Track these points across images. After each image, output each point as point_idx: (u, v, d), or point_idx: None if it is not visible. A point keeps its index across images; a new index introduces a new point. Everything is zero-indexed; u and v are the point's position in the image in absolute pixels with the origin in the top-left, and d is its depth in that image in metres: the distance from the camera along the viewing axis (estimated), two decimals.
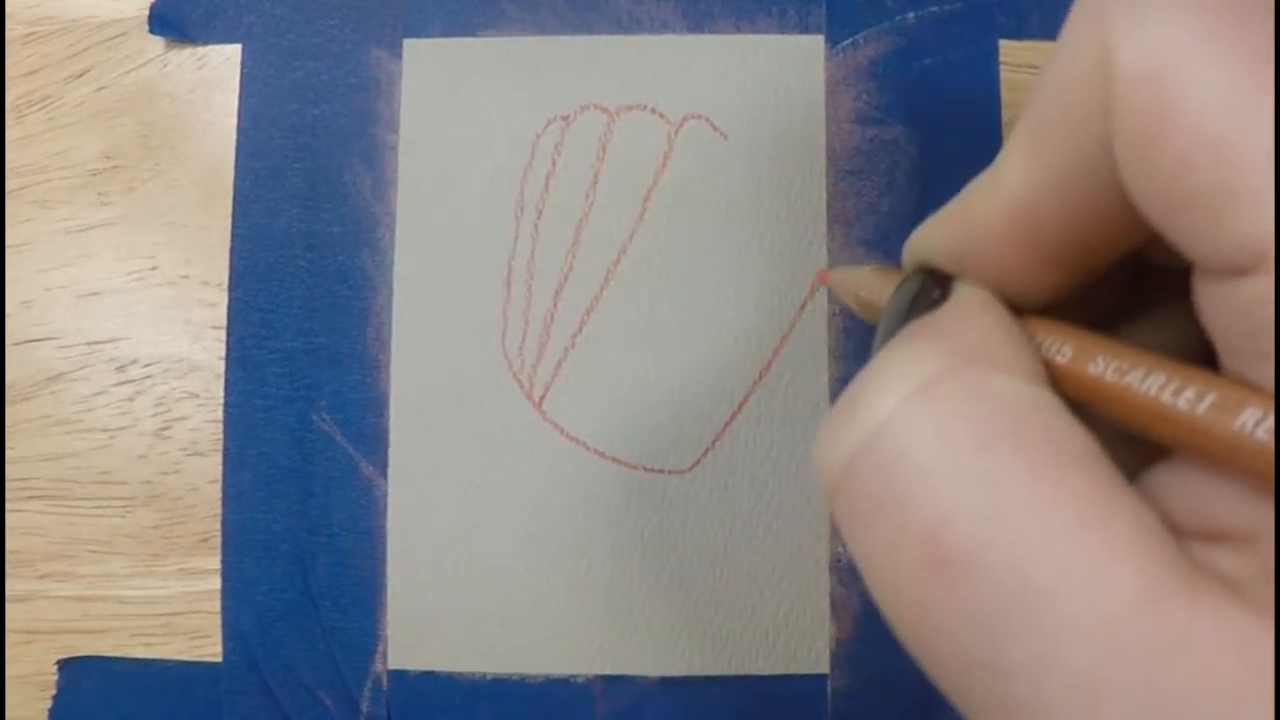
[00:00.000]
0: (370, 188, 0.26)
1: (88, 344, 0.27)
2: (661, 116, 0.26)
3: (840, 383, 0.25)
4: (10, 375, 0.27)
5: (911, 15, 0.26)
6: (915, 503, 0.11)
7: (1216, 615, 0.10)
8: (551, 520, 0.25)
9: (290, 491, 0.26)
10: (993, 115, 0.26)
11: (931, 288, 0.14)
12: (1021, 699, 0.10)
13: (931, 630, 0.11)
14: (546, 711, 0.25)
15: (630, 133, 0.26)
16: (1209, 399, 0.11)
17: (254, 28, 0.27)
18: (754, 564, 0.25)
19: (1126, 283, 0.15)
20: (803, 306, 0.25)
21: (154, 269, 0.27)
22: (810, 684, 0.25)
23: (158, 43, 0.28)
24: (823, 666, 0.25)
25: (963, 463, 0.11)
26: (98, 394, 0.27)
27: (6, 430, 0.27)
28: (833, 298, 0.25)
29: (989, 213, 0.13)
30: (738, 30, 0.26)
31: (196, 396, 0.26)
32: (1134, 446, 0.13)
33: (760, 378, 0.25)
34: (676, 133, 0.26)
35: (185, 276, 0.27)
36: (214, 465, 0.26)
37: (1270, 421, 0.10)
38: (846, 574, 0.25)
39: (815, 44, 0.26)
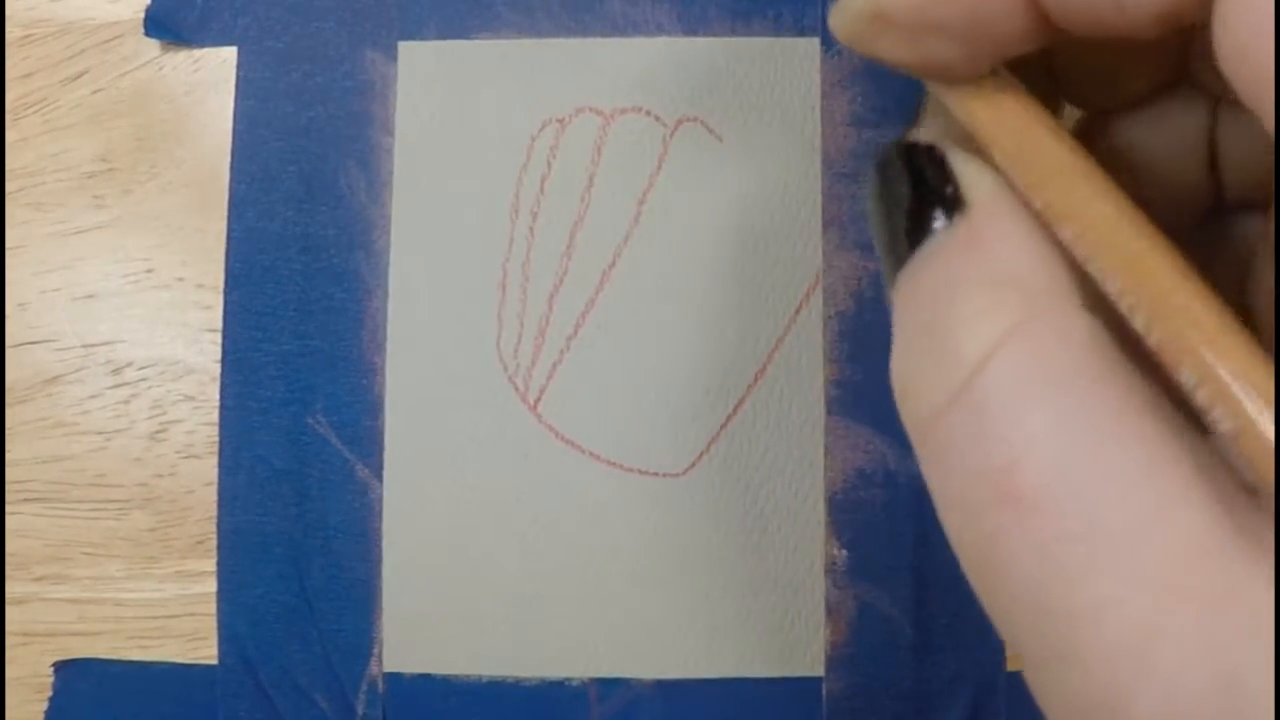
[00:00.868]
0: (365, 190, 0.26)
1: (83, 347, 0.27)
2: (656, 119, 0.26)
3: (836, 385, 0.25)
4: (6, 378, 0.27)
5: None
6: (998, 440, 0.11)
7: (1272, 563, 0.10)
8: (547, 523, 0.25)
9: (286, 494, 0.26)
10: None
11: (939, 172, 0.14)
12: (1079, 638, 0.11)
13: (998, 567, 0.11)
14: (542, 714, 0.25)
15: (625, 135, 0.26)
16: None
17: (249, 30, 0.27)
18: (749, 567, 0.25)
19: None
20: (798, 310, 0.25)
21: (149, 272, 0.27)
22: (805, 687, 0.25)
23: (153, 45, 0.28)
24: (818, 669, 0.25)
25: (1047, 403, 0.11)
26: (93, 397, 0.27)
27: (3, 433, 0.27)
28: (828, 300, 0.25)
29: None
30: (733, 33, 0.26)
31: (192, 399, 0.26)
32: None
33: (756, 380, 0.25)
34: (671, 135, 0.26)
35: (181, 279, 0.27)
36: (209, 468, 0.26)
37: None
38: (842, 577, 0.25)
39: (811, 46, 0.26)
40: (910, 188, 0.14)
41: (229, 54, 0.27)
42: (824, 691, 0.25)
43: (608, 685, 0.25)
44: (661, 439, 0.25)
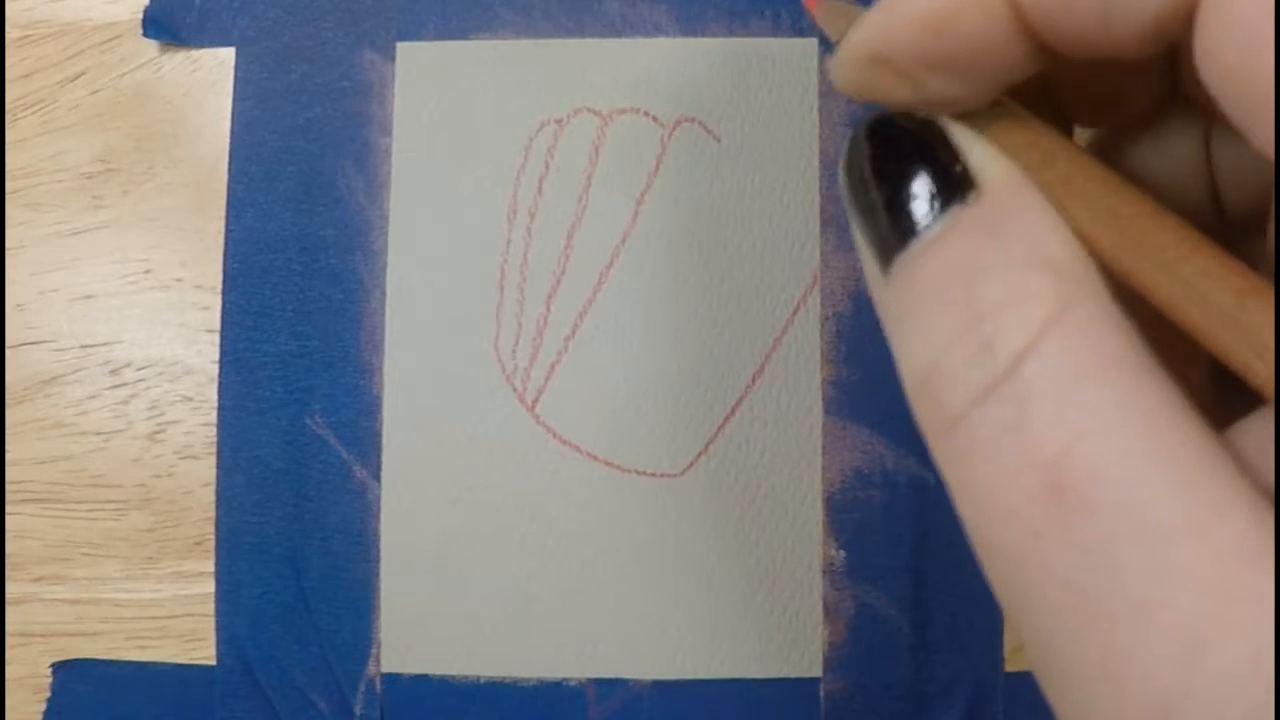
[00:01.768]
0: (364, 191, 0.26)
1: (81, 347, 0.27)
2: (654, 120, 0.26)
3: (833, 385, 0.25)
4: (5, 378, 0.27)
5: None
6: (1042, 431, 0.11)
7: None
8: (545, 523, 0.25)
9: (284, 495, 0.26)
10: None
11: (944, 148, 0.13)
12: (1123, 644, 0.10)
13: (1039, 566, 0.11)
14: (540, 715, 0.25)
15: (623, 136, 0.26)
16: None
17: (248, 31, 0.27)
18: (747, 567, 0.25)
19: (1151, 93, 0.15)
20: (795, 310, 0.25)
21: (148, 272, 0.27)
22: (803, 687, 0.25)
23: (152, 46, 0.28)
24: (816, 670, 0.25)
25: (1093, 396, 0.11)
26: (91, 397, 0.27)
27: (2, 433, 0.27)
28: (825, 301, 0.25)
29: None
30: (731, 33, 0.26)
31: (190, 400, 0.26)
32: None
33: (753, 381, 0.25)
34: (669, 136, 0.26)
35: (179, 280, 0.27)
36: (208, 468, 0.26)
37: None
38: (840, 577, 0.25)
39: (809, 47, 0.26)
40: (908, 164, 0.13)
41: (227, 54, 0.27)
42: (822, 692, 0.25)
43: (606, 685, 0.25)
44: (659, 439, 0.25)
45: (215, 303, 0.26)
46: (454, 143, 0.26)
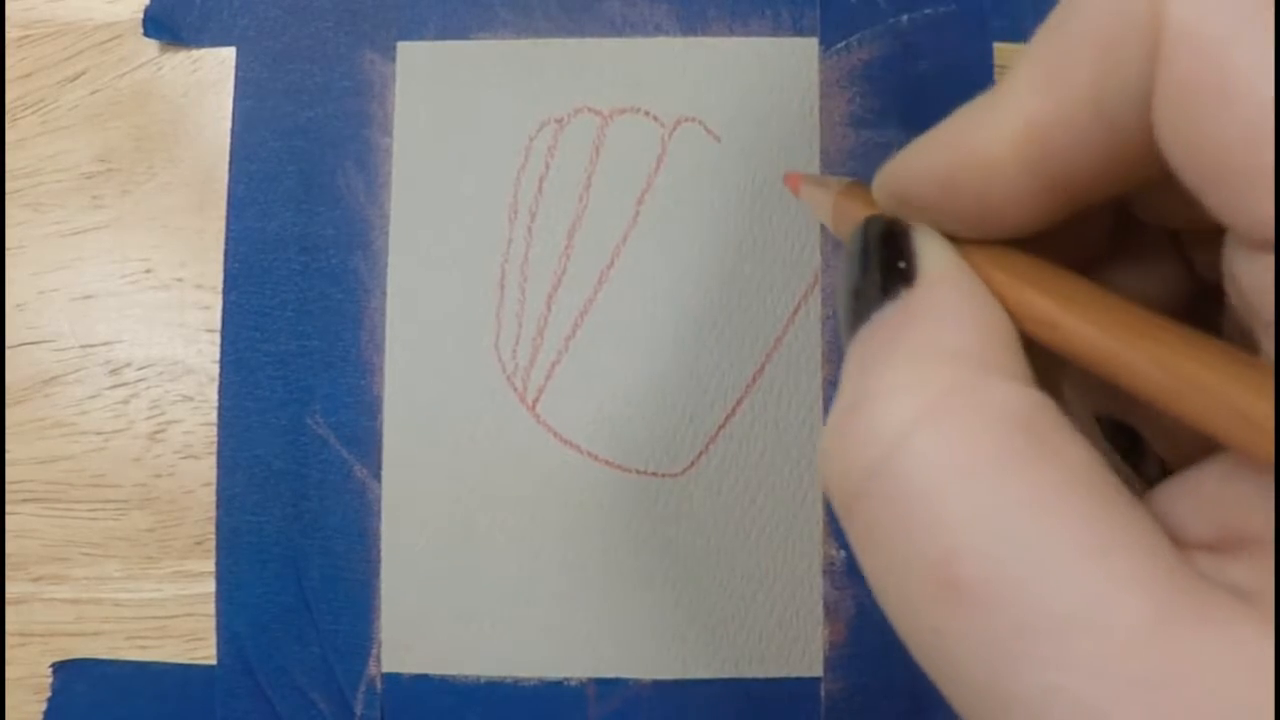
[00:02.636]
0: (364, 190, 0.26)
1: (82, 347, 0.27)
2: (655, 119, 0.26)
3: (833, 386, 0.25)
4: (5, 378, 0.27)
5: (906, 18, 0.26)
6: (928, 528, 0.11)
7: (1225, 637, 0.10)
8: (545, 523, 0.25)
9: (284, 494, 0.26)
10: None
11: (894, 247, 0.14)
12: None
13: (942, 654, 0.11)
14: (540, 714, 0.25)
15: (623, 135, 0.26)
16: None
17: (248, 31, 0.27)
18: (747, 567, 0.25)
19: (1107, 227, 0.15)
20: (796, 310, 0.25)
21: (148, 272, 0.27)
22: (804, 687, 0.25)
23: (152, 46, 0.28)
24: (816, 669, 0.25)
25: (974, 487, 0.11)
26: (92, 397, 0.27)
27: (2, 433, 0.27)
28: (825, 301, 0.25)
29: (992, 139, 0.13)
30: (731, 33, 0.26)
31: (191, 399, 0.26)
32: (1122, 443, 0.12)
33: (753, 381, 0.25)
34: (670, 135, 0.26)
35: (179, 279, 0.27)
36: (208, 468, 0.26)
37: None
38: (840, 577, 0.25)
39: (809, 46, 0.26)
40: (869, 259, 0.14)
41: (227, 54, 0.27)
42: (822, 692, 0.25)
43: (606, 685, 0.25)
44: (660, 439, 0.25)
45: (215, 302, 0.26)
46: (454, 142, 0.26)
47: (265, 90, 0.27)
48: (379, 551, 0.25)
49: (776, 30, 0.26)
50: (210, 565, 0.26)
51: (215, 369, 0.26)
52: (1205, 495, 0.12)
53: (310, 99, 0.27)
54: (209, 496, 0.26)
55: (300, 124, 0.27)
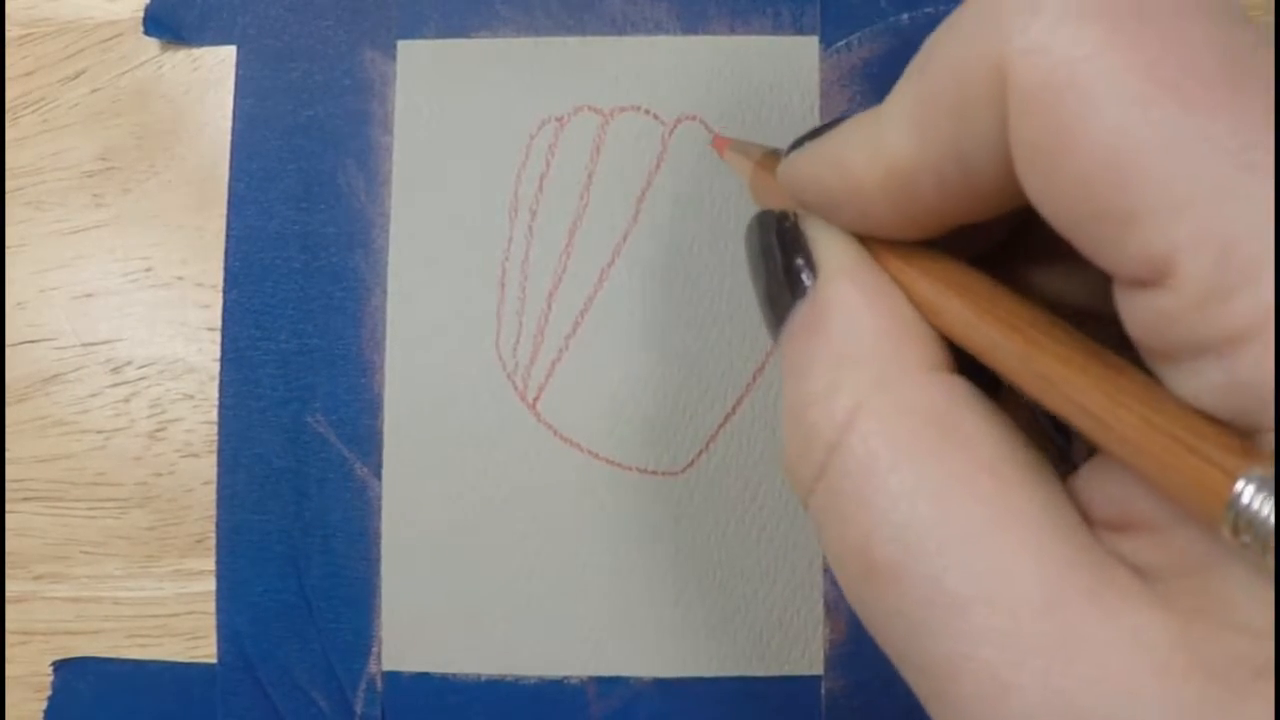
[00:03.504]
0: (364, 189, 0.26)
1: (82, 345, 0.27)
2: (655, 118, 0.26)
3: None
4: (5, 376, 0.27)
5: (906, 16, 0.26)
6: (854, 519, 0.12)
7: (1114, 615, 0.10)
8: (545, 521, 0.25)
9: (285, 493, 0.26)
10: None
11: (790, 245, 0.15)
12: (940, 693, 0.12)
13: (873, 628, 0.13)
14: (541, 713, 0.25)
15: (624, 134, 0.26)
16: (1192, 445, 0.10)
17: (248, 29, 0.27)
18: (748, 565, 0.25)
19: (1010, 223, 0.15)
20: None
21: (149, 270, 0.27)
22: (804, 685, 0.25)
23: (153, 44, 0.28)
24: (817, 668, 0.25)
25: (891, 480, 0.12)
26: (93, 395, 0.27)
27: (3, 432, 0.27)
28: None
29: (866, 171, 0.13)
30: (732, 31, 0.26)
31: (191, 398, 0.26)
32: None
33: (754, 379, 0.25)
34: (670, 134, 0.26)
35: (180, 278, 0.27)
36: (209, 466, 0.26)
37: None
38: None
39: (810, 45, 0.26)
40: (773, 258, 0.15)
41: (228, 53, 0.27)
42: (823, 690, 0.25)
43: (606, 684, 0.25)
44: (660, 437, 0.25)
45: (216, 301, 0.26)
46: (455, 141, 0.26)
47: (266, 89, 0.27)
48: (379, 550, 0.25)
49: (777, 29, 0.26)
50: (211, 564, 0.26)
51: (216, 367, 0.26)
52: (1111, 477, 0.12)
53: (311, 97, 0.27)
54: (209, 495, 0.26)
55: (301, 122, 0.27)
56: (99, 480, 0.27)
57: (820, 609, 0.25)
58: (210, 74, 0.27)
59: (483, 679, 0.25)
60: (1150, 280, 0.10)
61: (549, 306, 0.26)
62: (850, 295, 0.14)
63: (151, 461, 0.26)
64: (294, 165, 0.26)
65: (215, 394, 0.26)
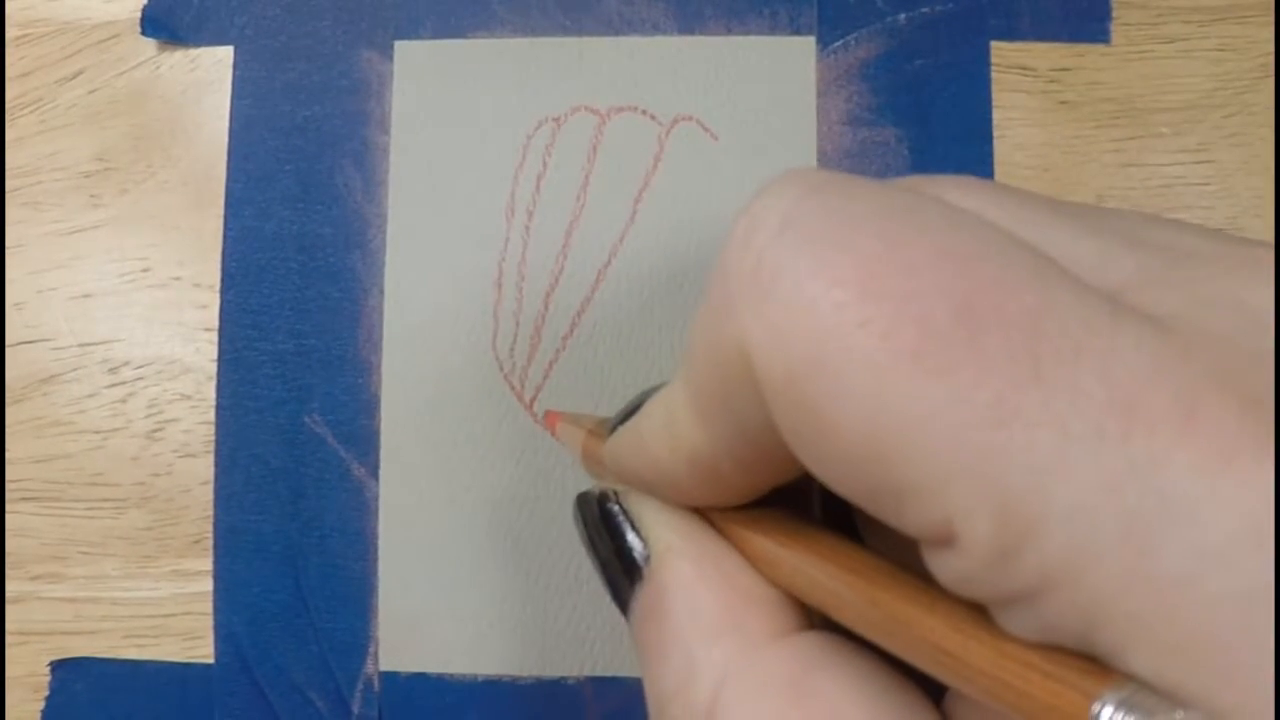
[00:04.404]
0: (361, 189, 0.26)
1: (80, 346, 0.27)
2: (652, 118, 0.26)
3: None
4: (4, 377, 0.27)
5: (903, 16, 0.26)
6: None
7: None
8: (542, 522, 0.25)
9: (282, 493, 0.26)
10: (984, 117, 0.26)
11: (616, 528, 0.15)
12: None
13: None
14: (538, 713, 0.25)
15: (621, 134, 0.26)
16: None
17: (246, 30, 0.27)
18: None
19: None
20: None
21: (146, 271, 0.27)
22: None
23: (150, 45, 0.28)
24: None
25: None
26: (90, 396, 0.27)
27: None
28: None
29: (670, 460, 0.13)
30: (728, 32, 0.26)
31: (188, 398, 0.26)
32: None
33: None
34: (667, 134, 0.26)
35: (177, 278, 0.27)
36: (206, 467, 0.26)
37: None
38: None
39: (806, 45, 0.26)
40: (604, 543, 0.15)
41: (225, 53, 0.27)
42: None
43: (603, 684, 0.25)
44: None
45: (213, 301, 0.26)
46: (452, 141, 0.26)
47: (263, 89, 0.27)
48: (376, 550, 0.25)
49: (774, 29, 0.26)
50: (208, 564, 0.26)
51: (213, 368, 0.26)
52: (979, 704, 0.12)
53: (308, 98, 0.27)
54: (207, 495, 0.26)
55: (298, 123, 0.27)
56: (96, 481, 0.27)
57: None
58: (207, 74, 0.27)
59: (480, 679, 0.25)
60: (940, 543, 0.10)
61: (546, 307, 0.26)
62: (683, 571, 0.13)
63: (149, 462, 0.26)
64: (291, 166, 0.26)
65: (212, 394, 0.26)
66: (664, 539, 0.14)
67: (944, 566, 0.10)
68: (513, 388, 0.26)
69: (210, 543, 0.26)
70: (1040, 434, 0.09)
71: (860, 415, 0.10)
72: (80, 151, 0.27)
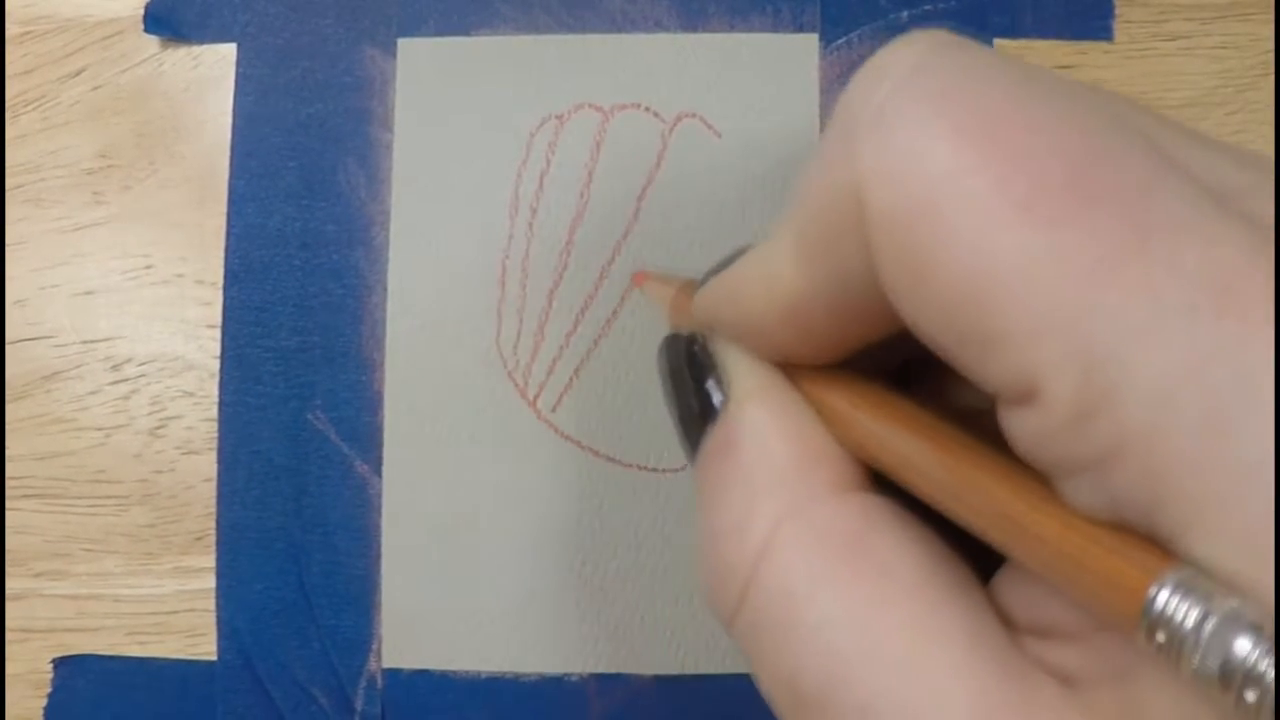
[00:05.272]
0: (365, 186, 0.26)
1: (82, 343, 0.27)
2: (656, 115, 0.26)
3: None
4: (5, 374, 0.27)
5: (905, 14, 0.26)
6: (774, 652, 0.12)
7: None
8: (546, 518, 0.25)
9: (285, 490, 0.26)
10: None
11: (699, 369, 0.15)
12: None
13: None
14: (541, 710, 0.25)
15: (624, 132, 0.26)
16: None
17: (249, 27, 0.27)
18: None
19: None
20: None
21: (149, 268, 0.27)
22: None
23: (153, 42, 0.28)
24: None
25: (809, 611, 0.12)
26: (92, 393, 0.27)
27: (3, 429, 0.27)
28: None
29: (765, 306, 0.13)
30: (732, 29, 0.26)
31: (191, 395, 0.26)
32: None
33: None
34: (671, 131, 0.26)
35: (180, 275, 0.27)
36: (208, 464, 0.26)
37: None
38: None
39: (809, 43, 0.26)
40: (684, 383, 0.15)
41: (228, 50, 0.27)
42: None
43: (607, 681, 0.25)
44: (661, 435, 0.25)
45: (216, 298, 0.26)
46: (455, 139, 0.26)
47: (266, 86, 0.27)
48: (379, 547, 0.25)
49: (777, 26, 0.26)
50: (211, 561, 0.26)
51: (216, 365, 0.26)
52: (1034, 581, 0.12)
53: (311, 95, 0.27)
54: (209, 492, 0.26)
55: (301, 120, 0.27)
56: (99, 478, 0.27)
57: None
58: (210, 72, 0.27)
59: (483, 676, 0.25)
60: (1021, 400, 0.10)
61: (549, 304, 0.26)
62: (759, 418, 0.13)
63: (151, 459, 0.26)
64: (294, 163, 0.26)
65: (215, 391, 0.26)
66: (745, 385, 0.14)
67: (1021, 425, 0.10)
68: (516, 385, 0.26)
69: (213, 540, 0.26)
70: (1136, 300, 0.09)
71: (964, 259, 0.10)
72: (83, 149, 0.27)
